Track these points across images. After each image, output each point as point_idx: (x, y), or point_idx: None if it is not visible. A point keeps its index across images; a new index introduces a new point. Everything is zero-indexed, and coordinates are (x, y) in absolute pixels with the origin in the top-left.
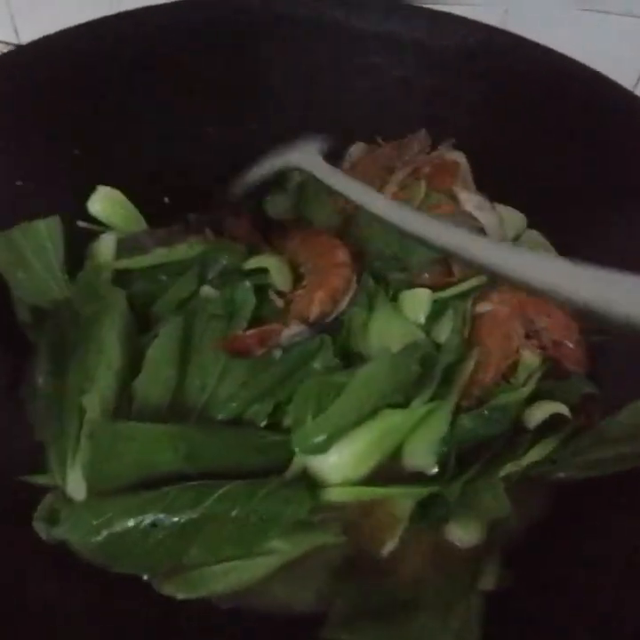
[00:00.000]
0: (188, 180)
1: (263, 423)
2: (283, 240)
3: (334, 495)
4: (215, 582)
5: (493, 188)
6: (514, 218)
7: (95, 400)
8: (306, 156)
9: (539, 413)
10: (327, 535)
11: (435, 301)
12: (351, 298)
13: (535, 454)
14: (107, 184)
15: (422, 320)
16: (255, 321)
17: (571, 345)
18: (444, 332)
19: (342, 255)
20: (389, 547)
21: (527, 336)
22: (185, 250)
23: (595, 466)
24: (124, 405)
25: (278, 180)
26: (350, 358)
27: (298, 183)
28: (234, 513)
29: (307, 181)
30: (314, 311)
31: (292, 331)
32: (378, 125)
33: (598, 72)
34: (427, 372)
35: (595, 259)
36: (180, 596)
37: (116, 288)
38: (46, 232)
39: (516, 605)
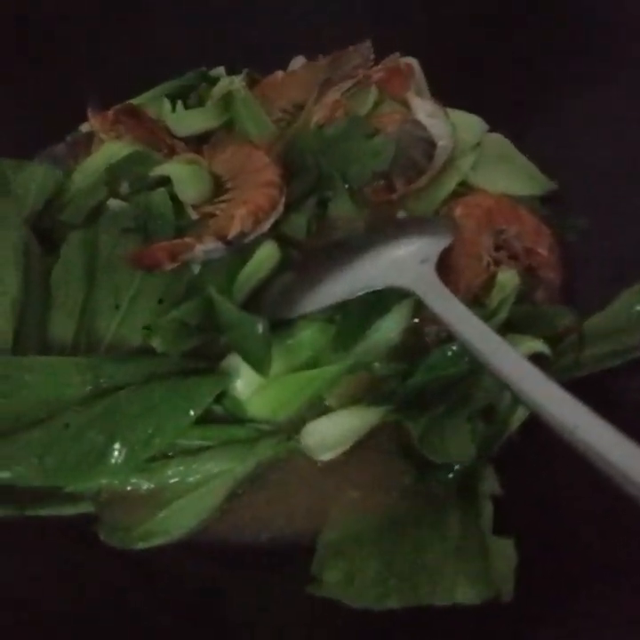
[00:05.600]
0: None
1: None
2: (213, 151)
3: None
4: (174, 525)
5: (452, 95)
6: (472, 123)
7: None
8: (420, 280)
9: None
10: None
11: None
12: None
13: None
14: None
15: None
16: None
17: (544, 252)
18: None
19: (272, 174)
20: (328, 456)
21: (498, 247)
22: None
23: (575, 368)
24: (30, 335)
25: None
26: None
27: (224, 94)
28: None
29: (235, 92)
30: (233, 229)
31: (206, 246)
32: (323, 40)
33: None
34: None
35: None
36: (141, 545)
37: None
38: None
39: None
